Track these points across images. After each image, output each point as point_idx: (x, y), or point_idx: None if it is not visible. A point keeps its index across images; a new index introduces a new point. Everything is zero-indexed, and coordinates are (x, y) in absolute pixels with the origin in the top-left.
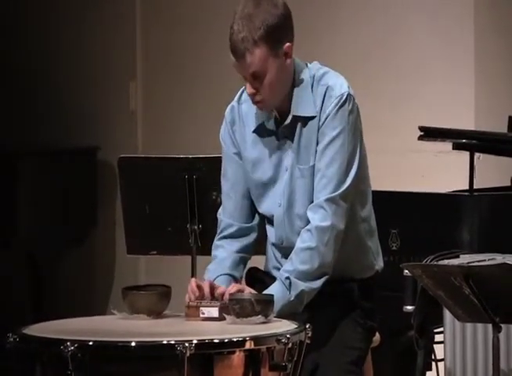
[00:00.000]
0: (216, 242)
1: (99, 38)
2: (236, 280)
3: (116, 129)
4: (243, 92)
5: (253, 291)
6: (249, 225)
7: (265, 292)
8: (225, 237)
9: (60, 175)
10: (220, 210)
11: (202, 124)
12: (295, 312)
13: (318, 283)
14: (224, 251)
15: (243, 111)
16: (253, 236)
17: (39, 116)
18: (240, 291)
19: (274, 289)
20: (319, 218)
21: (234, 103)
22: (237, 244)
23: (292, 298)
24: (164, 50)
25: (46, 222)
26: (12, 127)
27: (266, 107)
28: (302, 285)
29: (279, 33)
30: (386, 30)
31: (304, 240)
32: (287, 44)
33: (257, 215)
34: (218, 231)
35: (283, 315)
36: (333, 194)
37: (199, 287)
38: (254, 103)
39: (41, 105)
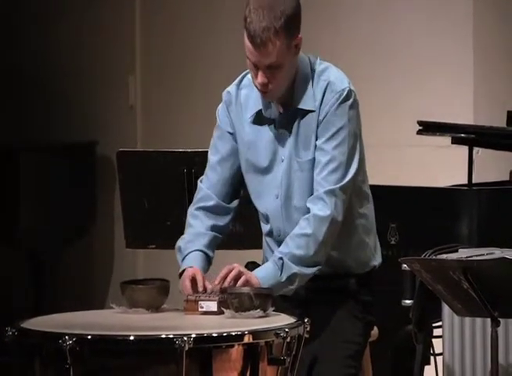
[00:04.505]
0: (193, 211)
1: (98, 32)
2: (209, 258)
3: (115, 123)
4: (243, 77)
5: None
6: (227, 205)
7: (255, 270)
8: (202, 209)
9: (59, 169)
10: (202, 177)
11: (200, 118)
12: (285, 294)
13: (311, 271)
14: (201, 225)
15: (242, 96)
16: (228, 217)
17: (38, 111)
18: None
19: (265, 268)
20: (319, 208)
21: (232, 87)
22: (213, 220)
23: (283, 280)
24: (163, 44)
25: (45, 217)
26: (10, 122)
27: (273, 97)
28: (295, 268)
29: (295, 23)
30: (386, 26)
31: (301, 227)
32: (299, 36)
33: (236, 201)
34: (196, 198)
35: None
36: (333, 187)
37: (193, 281)
38: (263, 92)
39: (40, 100)
